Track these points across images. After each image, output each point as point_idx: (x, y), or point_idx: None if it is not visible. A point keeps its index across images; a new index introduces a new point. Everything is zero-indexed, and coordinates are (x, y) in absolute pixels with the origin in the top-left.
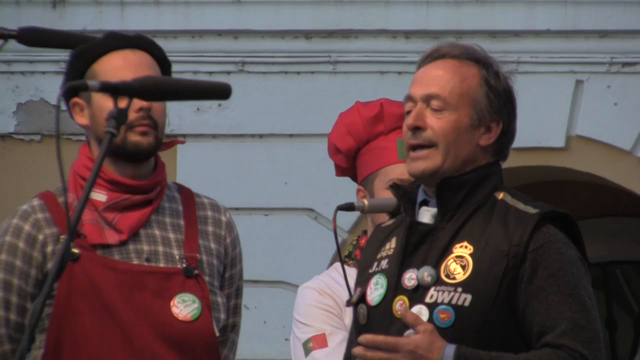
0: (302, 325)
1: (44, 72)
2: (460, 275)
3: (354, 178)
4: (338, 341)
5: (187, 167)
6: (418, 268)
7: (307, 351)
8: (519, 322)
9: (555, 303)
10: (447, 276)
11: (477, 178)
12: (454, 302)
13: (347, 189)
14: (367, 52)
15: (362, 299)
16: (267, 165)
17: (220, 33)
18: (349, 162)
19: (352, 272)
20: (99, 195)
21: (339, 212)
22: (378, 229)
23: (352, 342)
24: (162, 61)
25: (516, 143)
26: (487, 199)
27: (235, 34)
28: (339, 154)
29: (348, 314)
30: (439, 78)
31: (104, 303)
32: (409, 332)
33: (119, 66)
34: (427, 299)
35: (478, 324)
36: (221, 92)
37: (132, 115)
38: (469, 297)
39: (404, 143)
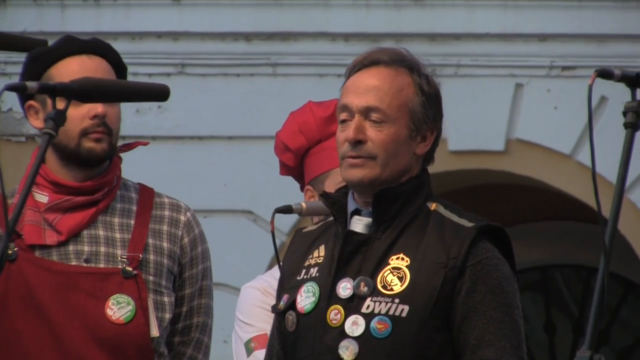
0: (244, 325)
1: None
2: (397, 286)
3: (298, 178)
4: None
5: (127, 169)
6: (353, 278)
7: (249, 351)
8: (452, 333)
9: (493, 319)
10: (384, 287)
11: (412, 189)
12: (391, 312)
13: (287, 191)
14: (306, 54)
15: (292, 306)
16: (207, 168)
17: (160, 35)
18: (297, 161)
19: None
20: (41, 197)
21: (278, 215)
22: (299, 234)
23: (272, 347)
24: (118, 65)
25: (456, 146)
26: (420, 209)
27: (175, 35)
28: (288, 152)
29: None
30: (376, 89)
31: (37, 304)
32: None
33: (76, 71)
34: (364, 309)
35: (414, 334)
36: (160, 94)
37: (86, 122)
38: (406, 308)
39: (339, 154)
